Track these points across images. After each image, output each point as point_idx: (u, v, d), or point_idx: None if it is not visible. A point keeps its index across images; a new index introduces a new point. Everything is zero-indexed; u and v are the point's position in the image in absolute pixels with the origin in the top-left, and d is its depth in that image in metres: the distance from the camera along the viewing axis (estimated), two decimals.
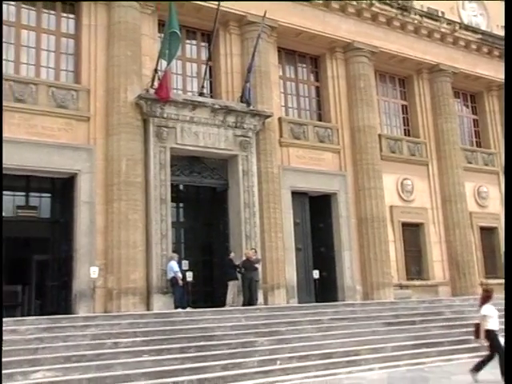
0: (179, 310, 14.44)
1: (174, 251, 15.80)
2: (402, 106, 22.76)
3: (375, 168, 19.58)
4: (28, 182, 15.97)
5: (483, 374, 10.23)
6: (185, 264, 16.03)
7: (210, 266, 17.69)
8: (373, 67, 21.02)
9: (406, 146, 21.52)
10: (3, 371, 9.69)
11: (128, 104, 15.48)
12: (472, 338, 11.38)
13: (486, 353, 10.40)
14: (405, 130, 22.46)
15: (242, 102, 17.30)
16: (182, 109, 16.26)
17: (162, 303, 14.96)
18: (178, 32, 15.19)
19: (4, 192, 15.10)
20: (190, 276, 15.70)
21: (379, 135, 20.52)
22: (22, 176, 15.38)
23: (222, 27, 18.13)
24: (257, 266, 16.14)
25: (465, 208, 21.65)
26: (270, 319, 14.05)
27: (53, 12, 16.22)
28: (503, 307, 9.21)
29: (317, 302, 17.62)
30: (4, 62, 15.05)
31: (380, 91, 22.19)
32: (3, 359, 10.14)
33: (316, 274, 18.34)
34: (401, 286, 19.71)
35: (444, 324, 15.59)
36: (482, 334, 10.17)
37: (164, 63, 15.71)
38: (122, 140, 15.22)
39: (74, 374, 10.08)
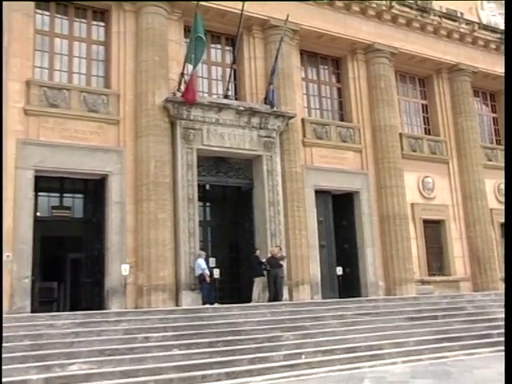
0: (207, 305, 14.52)
1: (201, 249, 15.90)
2: (423, 105, 22.57)
3: (396, 166, 19.45)
4: (62, 184, 16.18)
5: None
6: (212, 261, 16.12)
7: (236, 263, 17.74)
8: (393, 68, 20.89)
9: (426, 145, 21.35)
10: (42, 363, 9.93)
11: (156, 107, 15.61)
12: (494, 332, 11.27)
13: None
14: (425, 128, 22.27)
15: (265, 103, 17.35)
16: (208, 111, 16.35)
17: (190, 299, 15.05)
18: (203, 37, 15.30)
19: (40, 193, 15.44)
20: (217, 273, 15.78)
21: (400, 134, 20.39)
22: (57, 178, 15.61)
23: (246, 31, 18.18)
24: (281, 262, 16.17)
25: (485, 205, 21.41)
26: (294, 314, 14.07)
27: (84, 20, 16.46)
28: None
29: (340, 297, 17.56)
30: (38, 69, 15.42)
31: (400, 91, 22.04)
32: (42, 351, 10.39)
33: (339, 270, 18.30)
34: (423, 282, 19.56)
35: (466, 319, 15.44)
36: None
37: (190, 67, 15.78)
38: (151, 142, 15.36)
39: (108, 366, 10.24)
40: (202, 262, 15.24)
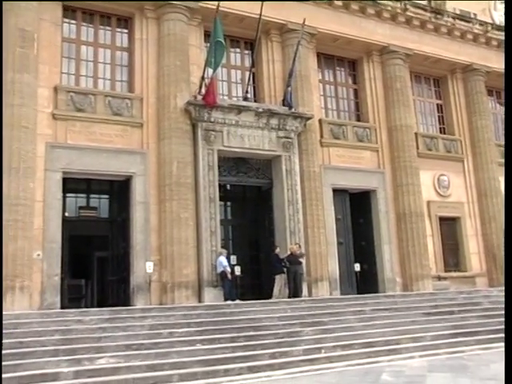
0: (229, 302, 14.59)
1: (222, 247, 15.95)
2: (437, 105, 22.40)
3: (412, 165, 19.34)
4: (89, 185, 16.41)
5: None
6: (233, 259, 16.22)
7: (256, 261, 17.80)
8: (408, 69, 20.75)
9: (441, 144, 21.19)
10: (72, 357, 10.08)
11: (178, 110, 15.71)
12: None
13: None
14: (440, 128, 22.09)
15: (284, 105, 17.37)
16: (228, 113, 16.42)
17: (212, 296, 15.13)
18: (223, 41, 15.39)
19: (67, 194, 15.66)
20: (238, 270, 15.88)
21: (416, 133, 20.25)
22: (84, 179, 15.83)
23: (264, 35, 18.20)
24: (301, 259, 16.15)
25: (500, 202, 21.11)
26: (314, 310, 14.06)
27: (108, 28, 16.63)
28: None
29: (358, 293, 17.55)
30: (65, 74, 15.64)
31: (415, 91, 21.89)
32: (71, 346, 10.55)
33: (357, 266, 18.27)
34: (439, 278, 19.42)
35: (482, 314, 15.32)
36: None
37: (210, 71, 15.86)
38: (173, 144, 15.46)
39: (135, 360, 10.34)
40: (223, 259, 15.31)
